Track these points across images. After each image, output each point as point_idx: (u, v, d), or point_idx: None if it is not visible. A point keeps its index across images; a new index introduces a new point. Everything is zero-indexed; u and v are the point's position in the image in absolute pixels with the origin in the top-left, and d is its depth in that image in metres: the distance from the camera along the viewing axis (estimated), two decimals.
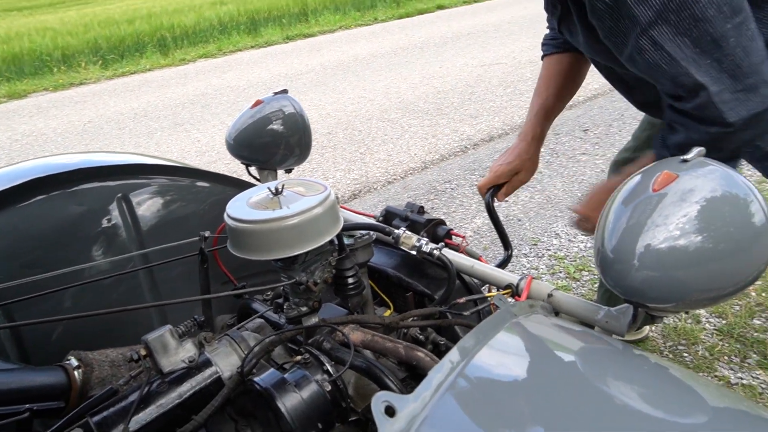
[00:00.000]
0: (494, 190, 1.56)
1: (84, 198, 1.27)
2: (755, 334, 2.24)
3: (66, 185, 1.26)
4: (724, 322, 2.32)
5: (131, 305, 1.10)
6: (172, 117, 6.00)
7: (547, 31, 1.57)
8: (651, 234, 0.75)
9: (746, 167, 1.57)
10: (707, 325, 2.33)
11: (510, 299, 0.93)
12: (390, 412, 0.50)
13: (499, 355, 0.63)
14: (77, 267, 1.19)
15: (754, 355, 2.14)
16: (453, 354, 0.58)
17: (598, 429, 0.53)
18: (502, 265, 1.36)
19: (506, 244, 1.47)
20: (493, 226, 1.51)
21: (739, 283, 0.76)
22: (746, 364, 2.10)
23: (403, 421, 0.49)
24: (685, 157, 0.80)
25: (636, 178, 0.80)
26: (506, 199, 1.61)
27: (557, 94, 1.56)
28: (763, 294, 2.46)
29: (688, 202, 0.75)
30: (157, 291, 1.32)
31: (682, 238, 0.74)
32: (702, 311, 2.39)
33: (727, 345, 2.20)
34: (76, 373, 0.98)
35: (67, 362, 1.00)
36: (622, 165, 1.85)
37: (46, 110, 6.90)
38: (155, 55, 9.73)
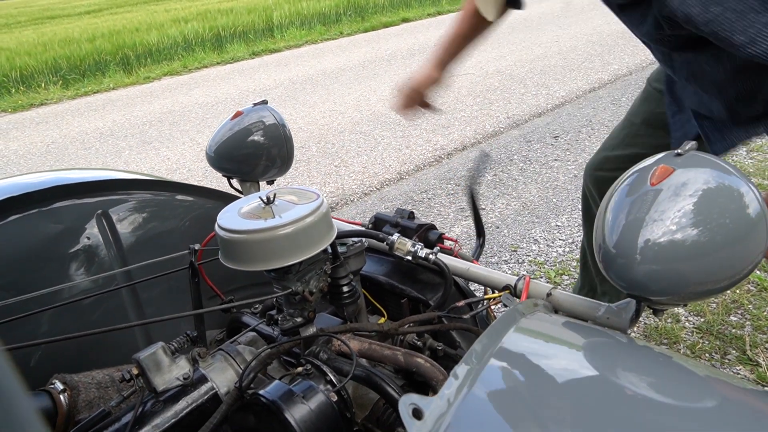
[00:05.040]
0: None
1: (61, 216, 1.23)
2: (733, 330, 2.29)
3: (41, 203, 1.21)
4: (702, 320, 2.37)
5: (114, 325, 1.06)
6: (140, 135, 5.89)
7: None
8: (651, 228, 0.75)
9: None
10: (687, 323, 2.37)
11: (516, 299, 0.93)
12: (417, 414, 0.49)
13: (515, 352, 0.62)
14: (55, 288, 1.14)
15: (734, 351, 2.18)
16: (470, 355, 0.57)
17: (620, 418, 0.53)
18: (477, 253, 1.31)
19: (480, 230, 1.38)
20: (471, 214, 1.48)
21: (737, 274, 0.77)
22: (727, 360, 2.14)
23: (431, 423, 0.48)
24: (679, 150, 0.81)
25: (633, 173, 0.81)
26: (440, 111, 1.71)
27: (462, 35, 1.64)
28: (738, 291, 2.51)
29: (686, 195, 0.76)
30: (141, 310, 1.27)
31: (681, 232, 0.75)
32: (681, 310, 2.43)
33: (707, 342, 2.24)
34: (61, 397, 0.93)
35: (52, 386, 0.95)
36: (599, 166, 1.87)
37: (6, 132, 6.69)
38: (118, 74, 9.56)
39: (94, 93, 8.48)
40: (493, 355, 0.59)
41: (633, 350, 0.73)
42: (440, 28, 10.35)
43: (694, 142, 0.82)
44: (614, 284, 0.79)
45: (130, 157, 5.23)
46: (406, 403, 0.49)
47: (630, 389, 0.62)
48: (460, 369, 0.55)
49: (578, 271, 2.78)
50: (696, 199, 0.75)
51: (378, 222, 1.27)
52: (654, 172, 0.78)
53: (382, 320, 1.18)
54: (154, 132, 5.96)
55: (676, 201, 0.75)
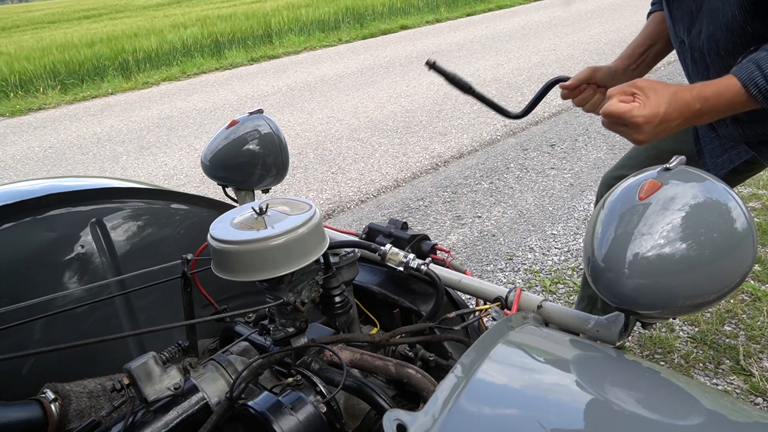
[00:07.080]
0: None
1: (55, 224, 1.23)
2: (727, 340, 2.29)
3: (36, 211, 1.21)
4: (696, 329, 2.37)
5: (107, 334, 1.06)
6: (138, 141, 5.90)
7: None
8: (640, 242, 0.76)
9: None
10: (681, 333, 2.37)
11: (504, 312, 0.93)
12: (401, 430, 0.49)
13: (502, 367, 0.63)
14: (49, 296, 1.14)
15: (727, 361, 2.18)
16: (457, 369, 0.58)
17: None
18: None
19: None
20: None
21: (725, 288, 0.78)
22: (720, 370, 2.15)
23: None
24: (668, 165, 0.82)
25: (622, 187, 0.82)
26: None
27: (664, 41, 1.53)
28: (732, 300, 2.52)
29: (674, 210, 0.76)
30: (135, 318, 1.27)
31: (669, 246, 0.75)
32: (675, 320, 2.44)
33: (701, 352, 2.24)
34: (52, 406, 0.93)
35: (43, 395, 0.95)
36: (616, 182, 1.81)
37: (4, 136, 6.69)
38: (117, 79, 9.58)
39: (93, 98, 8.49)
40: (480, 368, 0.59)
41: (621, 365, 0.73)
42: (438, 35, 10.41)
43: (683, 157, 0.83)
44: (603, 298, 0.80)
45: (128, 162, 5.24)
46: (391, 418, 0.50)
47: (617, 404, 0.62)
48: (446, 383, 0.55)
49: (574, 280, 2.79)
50: (684, 213, 0.76)
51: (371, 232, 1.27)
52: (642, 187, 0.78)
53: (375, 330, 1.18)
54: (152, 137, 5.97)
55: (665, 215, 0.76)
